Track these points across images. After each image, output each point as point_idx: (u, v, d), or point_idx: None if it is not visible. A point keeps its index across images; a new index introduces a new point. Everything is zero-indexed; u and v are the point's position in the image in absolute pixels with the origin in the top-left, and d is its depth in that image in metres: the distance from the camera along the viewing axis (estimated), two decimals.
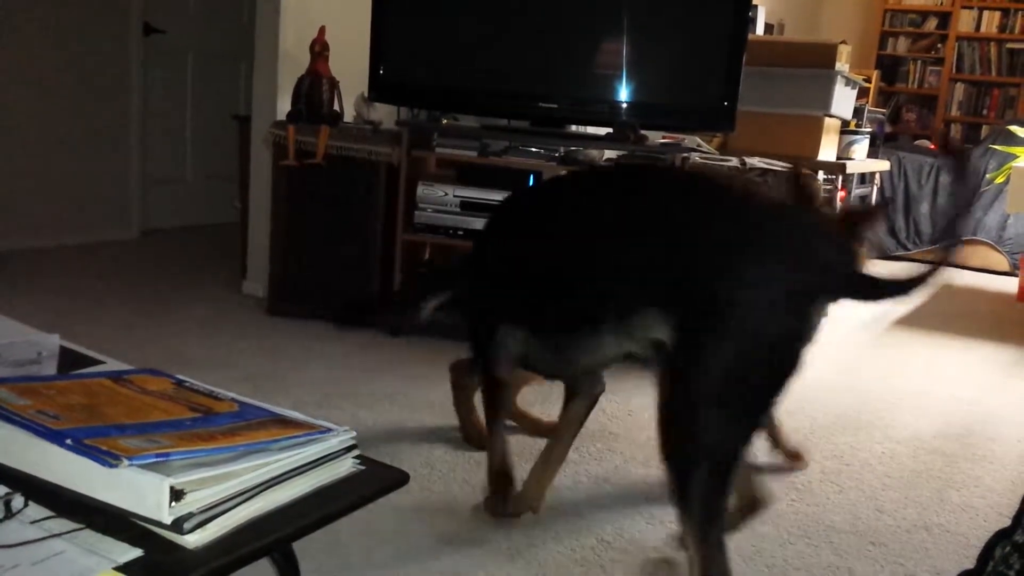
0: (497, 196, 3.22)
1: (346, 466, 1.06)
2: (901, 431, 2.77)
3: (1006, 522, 1.10)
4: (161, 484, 0.86)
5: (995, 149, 5.66)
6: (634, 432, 2.55)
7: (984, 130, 8.14)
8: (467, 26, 3.37)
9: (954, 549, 2.01)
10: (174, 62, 5.01)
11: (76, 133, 4.53)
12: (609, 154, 3.36)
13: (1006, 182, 5.00)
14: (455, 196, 3.25)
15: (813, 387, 3.10)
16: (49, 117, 4.40)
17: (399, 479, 1.09)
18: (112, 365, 1.29)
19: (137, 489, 0.87)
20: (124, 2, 4.64)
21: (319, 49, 3.35)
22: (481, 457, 2.27)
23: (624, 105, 3.29)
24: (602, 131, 3.46)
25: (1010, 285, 5.43)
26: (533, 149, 3.29)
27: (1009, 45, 8.51)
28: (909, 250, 6.23)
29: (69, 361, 1.30)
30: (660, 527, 1.98)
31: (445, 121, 3.46)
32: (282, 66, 3.59)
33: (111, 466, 0.88)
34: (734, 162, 3.19)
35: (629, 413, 2.69)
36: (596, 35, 3.31)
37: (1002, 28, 8.53)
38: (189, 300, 3.66)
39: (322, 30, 3.35)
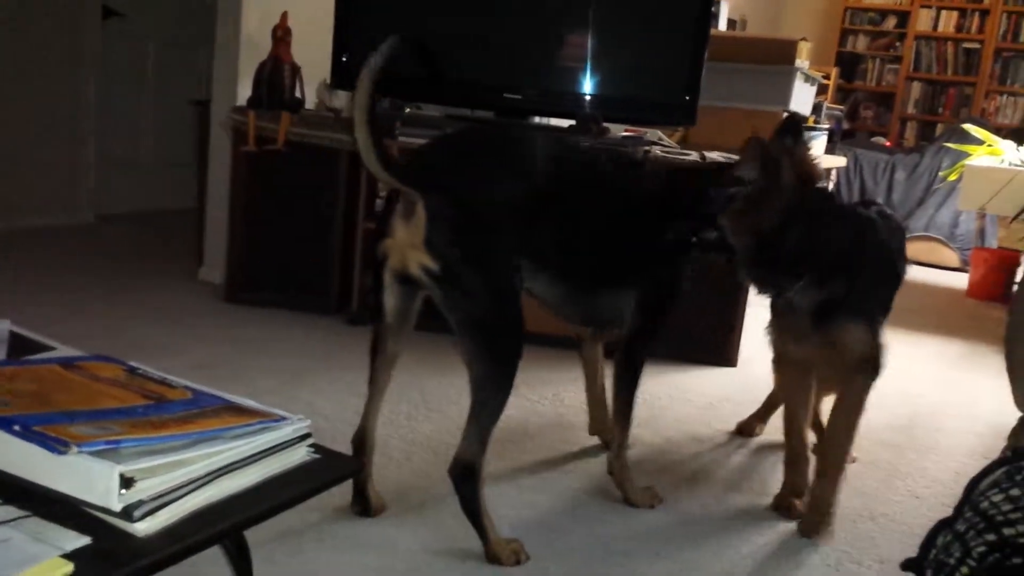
0: None
1: (300, 455, 1.06)
2: None
3: (949, 512, 1.12)
4: (111, 471, 0.86)
5: (949, 147, 5.77)
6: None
7: (939, 128, 8.29)
8: (432, 15, 3.36)
9: (899, 538, 2.05)
10: (133, 45, 4.94)
11: (30, 116, 4.44)
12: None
13: (959, 179, 5.10)
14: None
15: (765, 378, 3.14)
16: (1, 98, 4.31)
17: (353, 468, 1.10)
18: (63, 351, 1.28)
19: (86, 476, 0.87)
20: None
21: (281, 34, 3.32)
22: (437, 446, 2.27)
23: (587, 97, 3.30)
24: (565, 123, 3.47)
25: (960, 281, 5.55)
26: (530, 130, 3.28)
27: (965, 45, 8.66)
28: None
29: (19, 347, 1.28)
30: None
31: (408, 110, 3.45)
32: (243, 51, 3.56)
33: (60, 453, 0.87)
34: (694, 156, 3.21)
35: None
36: (561, 27, 3.32)
37: (959, 28, 8.67)
38: (144, 286, 3.62)
39: (284, 15, 3.31)
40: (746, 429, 2.62)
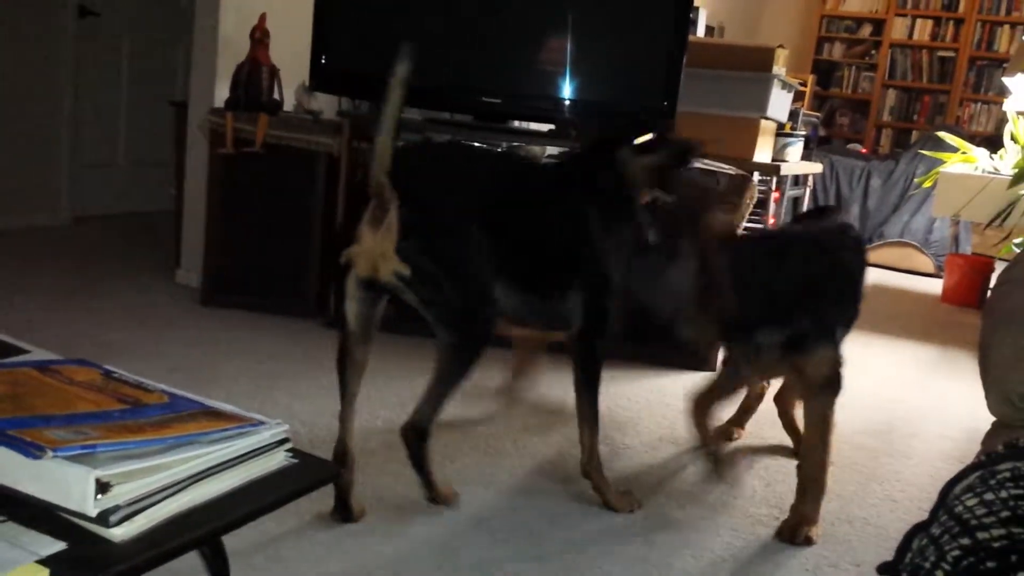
0: None
1: (278, 459, 1.05)
2: None
3: (925, 515, 1.13)
4: (87, 476, 0.85)
5: (924, 154, 5.82)
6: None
7: (914, 135, 8.38)
8: (411, 17, 3.36)
9: (875, 541, 2.07)
10: (109, 45, 4.89)
11: (4, 116, 4.39)
12: (551, 150, 3.37)
13: (933, 186, 5.15)
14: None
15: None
16: None
17: (331, 473, 1.10)
18: (38, 355, 1.26)
19: (62, 481, 0.86)
20: None
21: (259, 36, 3.31)
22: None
23: (566, 102, 3.30)
24: (544, 127, 3.48)
25: (935, 287, 5.60)
26: (475, 143, 3.28)
27: (940, 53, 8.76)
28: None
29: None
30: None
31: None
32: (221, 52, 3.54)
33: (35, 457, 0.86)
34: None
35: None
36: (540, 32, 3.32)
37: (934, 36, 8.77)
38: (120, 289, 3.59)
39: (263, 17, 3.30)
40: (724, 434, 2.63)
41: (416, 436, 1.90)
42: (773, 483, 2.35)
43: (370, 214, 1.77)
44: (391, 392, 2.65)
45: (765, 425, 2.68)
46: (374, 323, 1.90)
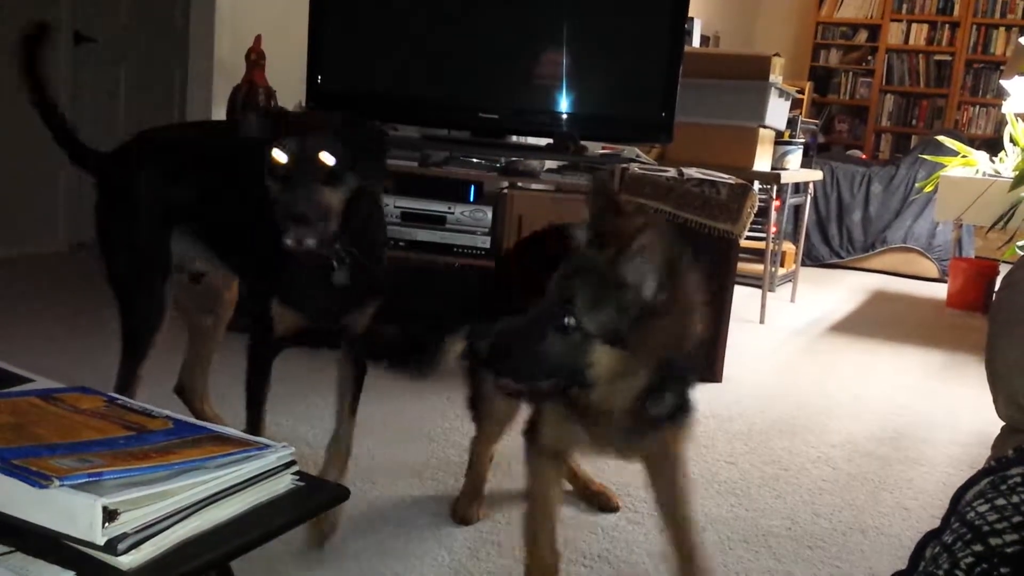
0: (438, 207, 3.22)
1: (284, 483, 1.05)
2: (836, 435, 2.83)
3: (937, 522, 1.12)
4: (94, 504, 0.84)
5: (924, 159, 5.83)
6: None
7: (914, 140, 8.38)
8: (407, 35, 3.37)
9: (888, 550, 2.06)
10: (106, 71, 4.91)
11: (1, 144, 4.40)
12: (550, 164, 3.38)
13: (935, 191, 5.15)
14: (395, 207, 3.23)
15: (750, 393, 3.15)
16: None
17: (338, 495, 1.09)
18: (42, 383, 1.26)
19: (69, 510, 0.85)
20: (54, 11, 4.54)
21: (255, 58, 3.32)
22: (422, 468, 2.26)
23: (564, 116, 3.31)
24: (543, 142, 3.48)
25: (939, 291, 5.59)
26: (474, 159, 3.29)
27: (937, 57, 8.78)
28: (843, 257, 6.38)
29: None
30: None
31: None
32: (217, 75, 3.55)
33: (41, 487, 0.85)
34: (672, 172, 3.23)
35: None
36: (537, 47, 3.33)
37: (930, 41, 8.79)
38: None
39: (258, 39, 3.31)
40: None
41: None
42: (783, 495, 2.34)
43: None
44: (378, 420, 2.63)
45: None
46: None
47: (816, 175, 5.18)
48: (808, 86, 8.18)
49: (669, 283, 1.27)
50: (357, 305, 1.82)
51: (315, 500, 1.06)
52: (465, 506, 2.03)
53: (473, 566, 1.83)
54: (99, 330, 3.34)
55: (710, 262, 3.15)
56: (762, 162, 4.23)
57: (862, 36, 9.06)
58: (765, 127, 4.18)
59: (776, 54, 4.18)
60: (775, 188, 4.59)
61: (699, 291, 1.35)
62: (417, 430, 2.56)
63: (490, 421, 1.98)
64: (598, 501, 2.16)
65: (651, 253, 1.24)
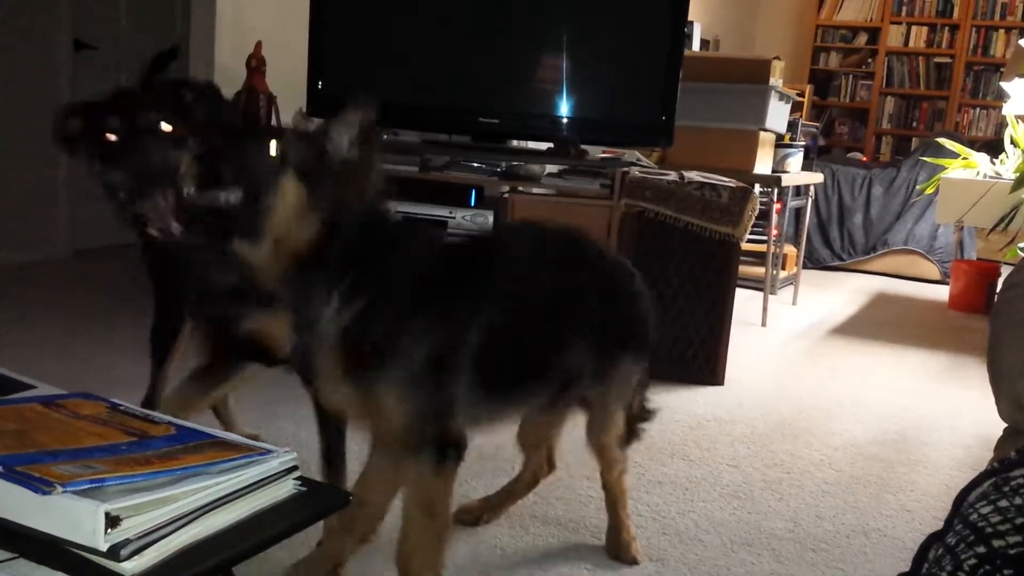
0: (439, 211, 3.22)
1: (287, 488, 1.05)
2: (838, 438, 2.83)
3: (940, 525, 1.12)
4: (96, 510, 0.84)
5: (925, 161, 5.83)
6: None
7: (914, 142, 8.39)
8: (408, 40, 3.37)
9: (891, 552, 2.05)
10: (106, 78, 4.91)
11: (2, 151, 4.41)
12: (550, 169, 3.38)
13: (935, 193, 5.15)
14: (396, 212, 3.22)
15: (752, 396, 3.15)
16: None
17: (341, 500, 1.09)
18: (44, 390, 1.26)
19: (71, 516, 0.85)
20: (53, 18, 4.55)
21: (256, 64, 3.32)
22: None
23: (565, 120, 3.31)
24: (543, 146, 3.48)
25: (941, 293, 5.58)
26: (475, 164, 3.29)
27: (936, 59, 8.78)
28: (844, 260, 6.37)
29: None
30: None
31: (385, 136, 3.45)
32: (218, 81, 3.55)
33: (44, 493, 0.85)
34: (672, 176, 3.23)
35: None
36: (537, 51, 3.34)
37: (929, 43, 8.80)
38: (122, 321, 3.58)
39: (258, 45, 3.32)
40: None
41: None
42: (786, 497, 2.34)
43: None
44: None
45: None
46: None
47: (817, 178, 5.18)
48: (808, 89, 8.18)
49: (359, 147, 1.47)
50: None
51: (317, 505, 1.06)
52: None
53: (473, 566, 1.83)
54: (101, 336, 3.35)
55: (711, 265, 3.18)
56: (763, 165, 4.23)
57: (862, 39, 9.07)
58: (766, 130, 4.18)
59: (776, 57, 4.18)
60: (776, 191, 4.59)
61: (378, 161, 1.53)
62: None
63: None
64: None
65: (352, 117, 1.47)
